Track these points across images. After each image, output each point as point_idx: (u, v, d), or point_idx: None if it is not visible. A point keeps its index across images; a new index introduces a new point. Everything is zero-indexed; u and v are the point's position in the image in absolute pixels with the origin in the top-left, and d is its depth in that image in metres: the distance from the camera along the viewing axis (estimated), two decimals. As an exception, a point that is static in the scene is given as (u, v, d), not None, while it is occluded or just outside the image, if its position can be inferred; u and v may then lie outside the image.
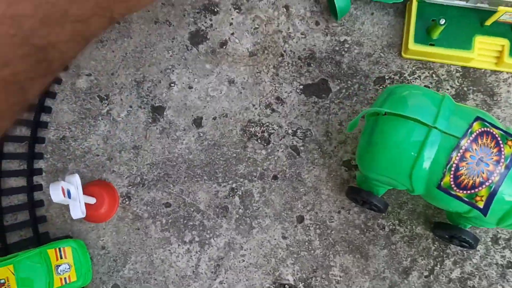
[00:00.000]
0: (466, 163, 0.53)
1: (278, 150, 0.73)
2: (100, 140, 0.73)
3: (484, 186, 0.53)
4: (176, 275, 0.70)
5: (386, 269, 0.70)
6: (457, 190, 0.55)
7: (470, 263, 0.69)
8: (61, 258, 0.64)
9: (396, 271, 0.69)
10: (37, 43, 0.40)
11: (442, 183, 0.55)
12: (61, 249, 0.64)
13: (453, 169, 0.54)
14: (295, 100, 0.74)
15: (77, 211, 0.62)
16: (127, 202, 0.72)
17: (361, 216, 0.71)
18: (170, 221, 0.72)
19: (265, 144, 0.73)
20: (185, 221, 0.71)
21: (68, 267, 0.64)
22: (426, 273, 0.69)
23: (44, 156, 0.73)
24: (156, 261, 0.70)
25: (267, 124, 0.74)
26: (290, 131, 0.73)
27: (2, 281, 0.61)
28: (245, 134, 0.73)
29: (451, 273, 0.69)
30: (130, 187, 0.72)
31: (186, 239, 0.71)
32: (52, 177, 0.73)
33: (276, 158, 0.73)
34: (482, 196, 0.54)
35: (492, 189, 0.53)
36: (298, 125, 0.74)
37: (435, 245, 0.70)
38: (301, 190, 0.72)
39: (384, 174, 0.58)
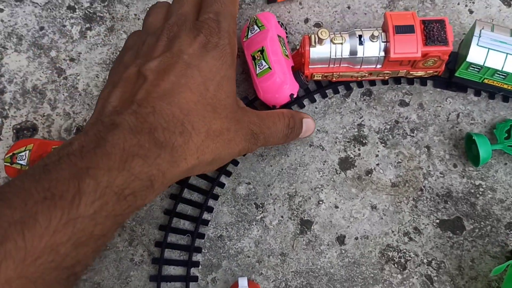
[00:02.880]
0: None
1: (413, 277, 0.83)
2: (252, 243, 0.86)
3: None
4: None
5: None
6: None
7: None
8: None
9: None
10: (67, 265, 0.50)
11: None
12: None
13: None
14: (431, 233, 0.85)
15: (245, 309, 0.73)
16: (271, 304, 0.83)
17: None
18: (309, 328, 0.81)
19: (402, 270, 0.84)
20: (322, 331, 0.81)
21: None
22: None
23: (202, 251, 0.85)
24: None
25: (404, 251, 0.85)
26: (425, 260, 0.84)
27: None
28: (383, 257, 0.85)
29: None
30: (275, 290, 0.83)
31: None
32: (207, 271, 0.85)
33: (411, 284, 0.83)
34: None
35: None
36: (433, 256, 0.84)
37: None
38: (433, 318, 0.81)
39: (530, 319, 0.67)
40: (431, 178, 0.89)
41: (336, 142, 0.92)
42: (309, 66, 0.88)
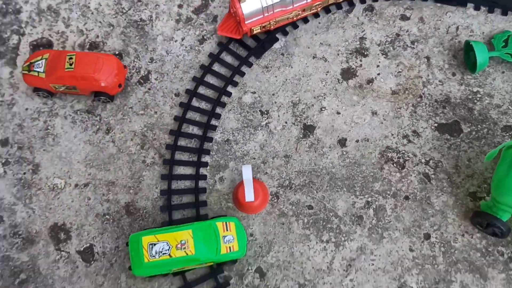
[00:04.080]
0: None
1: (411, 175, 0.90)
2: (257, 146, 0.93)
3: None
4: (312, 267, 0.86)
5: (503, 292, 0.83)
6: None
7: None
8: (227, 230, 0.81)
9: (512, 295, 0.83)
10: None
11: None
12: (227, 223, 0.82)
13: None
14: (429, 135, 0.92)
15: (250, 195, 0.80)
16: (275, 200, 0.90)
17: (482, 241, 0.86)
18: (311, 221, 0.88)
19: (400, 168, 0.90)
20: (324, 223, 0.88)
21: (232, 238, 0.81)
22: (540, 301, 0.82)
23: (210, 153, 0.93)
24: (296, 253, 0.87)
25: (403, 152, 0.91)
26: (423, 160, 0.90)
27: (183, 242, 0.79)
28: (383, 158, 0.91)
29: None
30: (279, 188, 0.90)
31: (324, 238, 0.87)
32: (215, 171, 0.92)
33: (409, 181, 0.90)
34: None
35: None
36: (430, 156, 0.91)
37: (550, 277, 0.83)
38: (429, 211, 0.88)
39: (518, 194, 0.74)
40: (430, 85, 0.95)
41: (338, 54, 0.98)
42: (246, 22, 0.93)
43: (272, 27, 0.96)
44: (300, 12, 0.95)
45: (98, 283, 0.87)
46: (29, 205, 0.92)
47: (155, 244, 0.79)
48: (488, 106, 0.93)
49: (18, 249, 0.89)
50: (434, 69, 0.96)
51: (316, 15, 1.00)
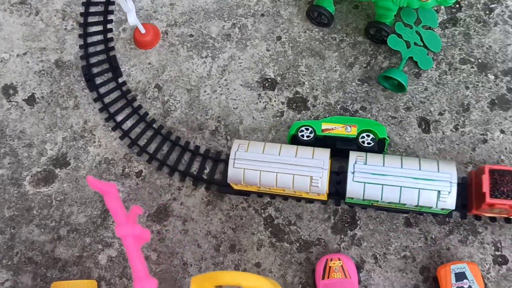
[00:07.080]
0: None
1: (264, -2, 1.13)
2: (149, 1, 1.17)
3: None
4: (196, 76, 1.10)
5: (337, 65, 1.05)
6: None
7: (396, 56, 1.03)
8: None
9: (344, 65, 1.05)
10: None
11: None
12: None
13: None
14: (276, -33, 1.14)
15: (132, 18, 1.04)
16: (165, 36, 1.14)
17: (320, 33, 1.08)
18: (193, 45, 1.12)
19: (256, -5, 1.13)
20: (202, 44, 1.12)
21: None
22: (364, 65, 1.04)
23: (114, 12, 1.17)
24: (183, 69, 1.10)
25: (258, -17, 1.14)
26: (272, -14, 1.13)
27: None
28: (243, -9, 1.14)
29: (382, 64, 1.04)
30: (167, 27, 1.14)
31: (203, 55, 1.11)
32: (118, 25, 1.16)
33: (263, 3, 1.13)
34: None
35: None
36: (278, -18, 1.13)
37: (371, 47, 1.05)
38: (280, 21, 1.11)
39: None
40: None
41: None
42: None
43: None
44: None
45: (40, 118, 1.13)
46: (-15, 75, 1.17)
47: None
48: None
49: (-19, 106, 1.15)
50: None
51: None
